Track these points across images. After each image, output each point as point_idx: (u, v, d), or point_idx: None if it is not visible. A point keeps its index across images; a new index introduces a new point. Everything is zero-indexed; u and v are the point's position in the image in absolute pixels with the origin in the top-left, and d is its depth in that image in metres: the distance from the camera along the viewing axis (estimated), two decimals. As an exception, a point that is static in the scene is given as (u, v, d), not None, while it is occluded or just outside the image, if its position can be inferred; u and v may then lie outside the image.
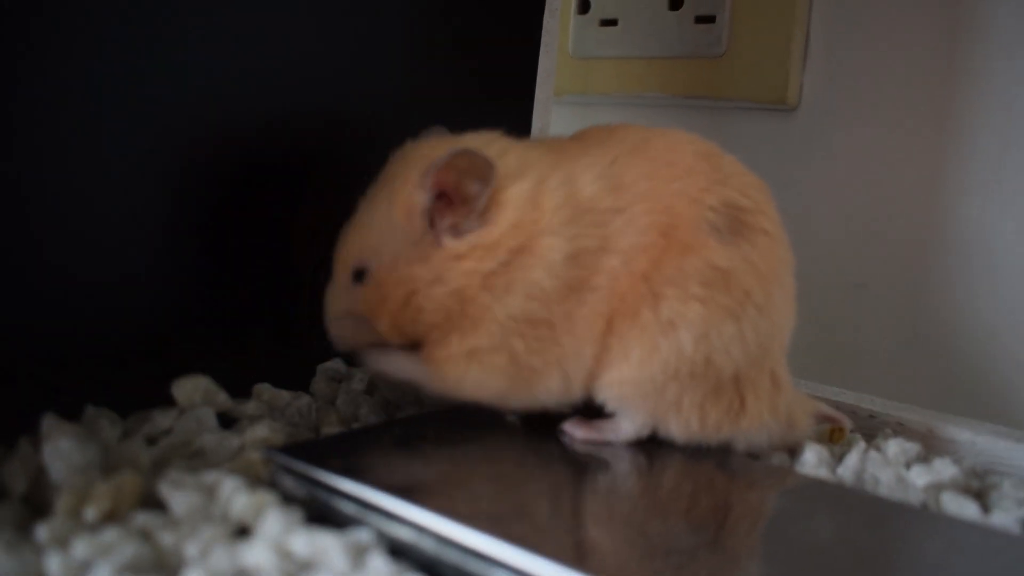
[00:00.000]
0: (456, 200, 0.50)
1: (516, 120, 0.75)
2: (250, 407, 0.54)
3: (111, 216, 0.52)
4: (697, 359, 0.49)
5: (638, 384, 0.49)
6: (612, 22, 0.87)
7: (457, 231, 0.50)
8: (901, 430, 0.59)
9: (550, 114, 0.77)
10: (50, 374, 0.49)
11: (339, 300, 0.54)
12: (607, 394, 0.51)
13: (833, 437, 0.58)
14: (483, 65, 0.72)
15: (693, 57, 0.82)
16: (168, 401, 0.52)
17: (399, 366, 0.53)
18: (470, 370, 0.50)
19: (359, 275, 0.52)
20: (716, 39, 0.80)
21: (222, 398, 0.53)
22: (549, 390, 0.51)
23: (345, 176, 0.59)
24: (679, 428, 0.50)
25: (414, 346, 0.53)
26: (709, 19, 0.81)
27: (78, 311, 0.51)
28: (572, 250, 0.49)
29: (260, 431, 0.50)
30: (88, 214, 0.51)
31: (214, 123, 0.56)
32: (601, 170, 0.51)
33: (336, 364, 0.63)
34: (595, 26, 0.89)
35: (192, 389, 0.52)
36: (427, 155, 0.52)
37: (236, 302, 0.59)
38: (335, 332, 0.54)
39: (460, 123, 0.68)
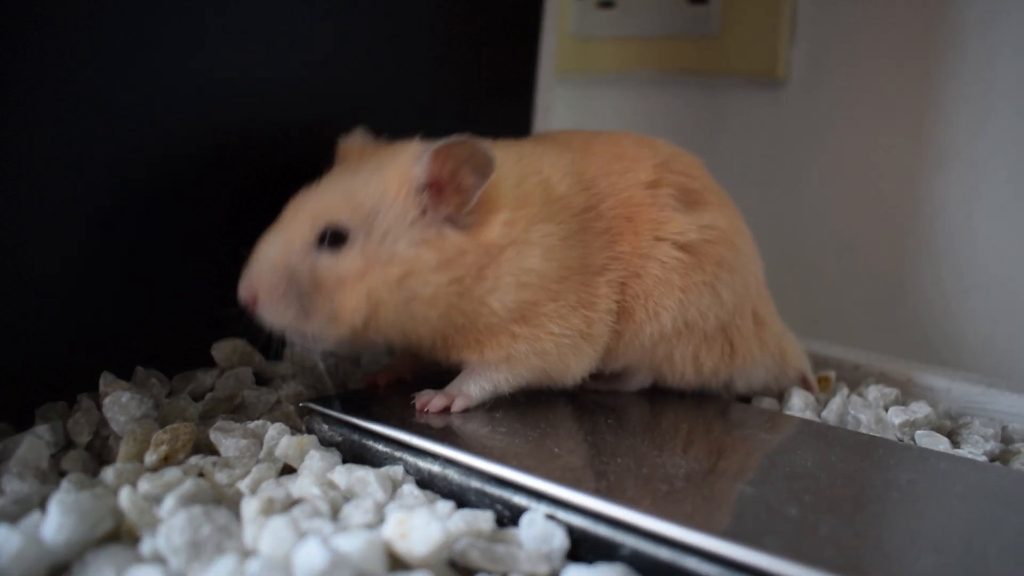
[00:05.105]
0: (449, 189, 0.47)
1: (521, 98, 0.78)
2: (282, 367, 0.58)
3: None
4: (679, 326, 0.53)
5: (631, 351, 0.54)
6: (610, 4, 0.90)
7: (453, 222, 0.47)
8: (883, 379, 0.63)
9: (552, 92, 0.81)
10: (102, 339, 0.53)
11: (287, 253, 0.46)
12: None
13: (820, 385, 0.62)
14: (488, 47, 0.74)
15: (687, 36, 0.85)
16: (208, 362, 0.56)
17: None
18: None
19: (333, 239, 0.47)
20: (709, 19, 0.83)
21: (257, 358, 0.57)
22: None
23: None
24: (674, 378, 0.55)
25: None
26: (702, 0, 0.83)
27: (129, 286, 0.54)
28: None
29: (295, 387, 0.54)
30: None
31: (218, 126, 0.56)
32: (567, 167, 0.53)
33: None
34: (594, 8, 0.92)
35: (230, 350, 0.56)
36: (418, 144, 0.50)
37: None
38: (261, 279, 0.46)
39: (468, 103, 0.71)
